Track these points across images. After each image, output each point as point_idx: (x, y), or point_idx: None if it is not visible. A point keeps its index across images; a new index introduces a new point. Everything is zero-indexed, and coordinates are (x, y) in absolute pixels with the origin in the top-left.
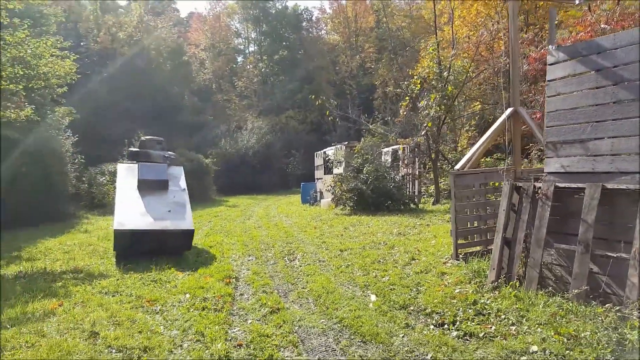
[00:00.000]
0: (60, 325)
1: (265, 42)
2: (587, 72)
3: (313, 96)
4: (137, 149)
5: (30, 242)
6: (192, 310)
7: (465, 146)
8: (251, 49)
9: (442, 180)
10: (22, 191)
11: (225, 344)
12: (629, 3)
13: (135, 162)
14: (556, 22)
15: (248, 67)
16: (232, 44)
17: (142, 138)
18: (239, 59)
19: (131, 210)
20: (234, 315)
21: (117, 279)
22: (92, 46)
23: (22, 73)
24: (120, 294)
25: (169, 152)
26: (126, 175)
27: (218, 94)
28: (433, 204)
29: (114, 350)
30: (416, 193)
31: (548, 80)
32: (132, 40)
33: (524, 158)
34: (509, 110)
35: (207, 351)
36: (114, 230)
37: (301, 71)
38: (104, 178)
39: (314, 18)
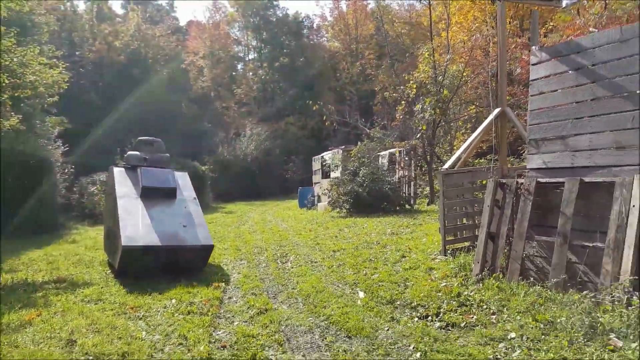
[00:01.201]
0: (35, 335)
1: (266, 49)
2: (567, 71)
3: (310, 101)
4: (134, 152)
5: (14, 253)
6: (176, 315)
7: (460, 148)
8: (251, 56)
9: (436, 181)
10: (7, 202)
11: (209, 346)
12: (616, 7)
13: (131, 165)
14: (550, 26)
15: (248, 74)
16: (231, 51)
17: (139, 138)
18: (239, 66)
19: (140, 223)
20: (220, 318)
21: (101, 287)
22: (87, 55)
23: (7, 82)
24: (103, 302)
25: (164, 154)
26: (124, 180)
27: (216, 101)
28: (428, 204)
29: (90, 357)
30: (412, 194)
31: (531, 80)
32: (129, 49)
33: (516, 158)
34: (497, 110)
35: (188, 354)
36: (123, 246)
37: (301, 78)
38: (95, 188)
39: (314, 25)
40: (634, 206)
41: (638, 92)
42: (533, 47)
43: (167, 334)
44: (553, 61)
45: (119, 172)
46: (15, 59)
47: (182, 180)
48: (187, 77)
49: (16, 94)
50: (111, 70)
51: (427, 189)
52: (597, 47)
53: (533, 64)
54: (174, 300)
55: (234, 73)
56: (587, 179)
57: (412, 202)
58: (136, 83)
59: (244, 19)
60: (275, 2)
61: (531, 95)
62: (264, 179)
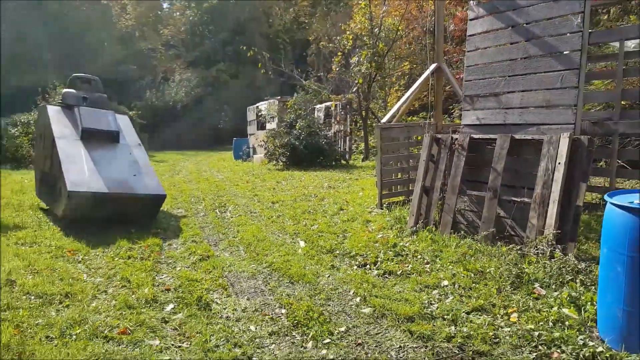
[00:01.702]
0: None
1: None
2: (503, 28)
3: (244, 47)
4: (71, 89)
5: None
6: (117, 259)
7: (394, 105)
8: None
9: (371, 138)
10: None
11: (153, 289)
12: None
13: (66, 105)
14: None
15: (175, 14)
16: None
17: (74, 75)
18: (165, 5)
19: (85, 168)
20: (161, 264)
21: (35, 231)
22: None
23: None
24: (39, 245)
25: (103, 94)
26: (62, 120)
27: (142, 42)
28: (362, 160)
29: (32, 297)
30: (347, 150)
31: (468, 35)
32: None
33: (447, 116)
34: (433, 65)
35: (133, 295)
36: (69, 191)
37: (232, 21)
38: (16, 129)
39: None
40: (559, 163)
41: (566, 52)
42: (471, 2)
43: (109, 276)
44: (490, 17)
45: (55, 111)
46: None
47: (124, 124)
48: (108, 14)
49: None
50: (23, 6)
51: (362, 144)
52: (531, 6)
53: (470, 19)
54: (112, 245)
55: (159, 12)
56: (517, 136)
57: (347, 157)
58: (53, 20)
59: None
60: None
61: (468, 51)
62: (195, 128)
